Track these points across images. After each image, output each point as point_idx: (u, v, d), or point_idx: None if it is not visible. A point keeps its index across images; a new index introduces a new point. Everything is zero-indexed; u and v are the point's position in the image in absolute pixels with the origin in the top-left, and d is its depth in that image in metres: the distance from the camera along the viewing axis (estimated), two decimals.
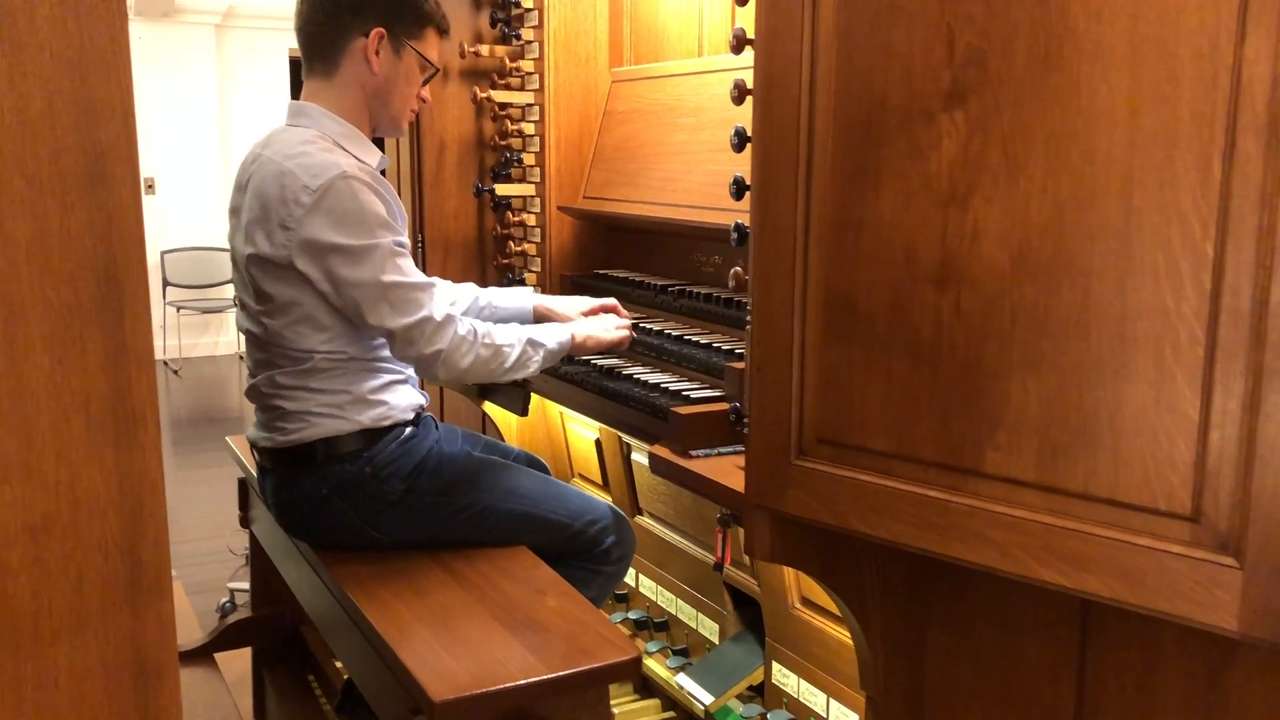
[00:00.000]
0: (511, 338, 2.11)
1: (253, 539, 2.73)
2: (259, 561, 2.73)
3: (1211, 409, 1.15)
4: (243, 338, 2.12)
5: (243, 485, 2.70)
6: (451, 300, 2.12)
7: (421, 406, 2.19)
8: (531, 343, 2.14)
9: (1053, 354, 1.25)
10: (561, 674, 1.54)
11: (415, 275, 2.00)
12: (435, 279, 2.05)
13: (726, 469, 1.77)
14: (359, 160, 2.04)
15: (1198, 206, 1.13)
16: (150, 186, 8.59)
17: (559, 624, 1.71)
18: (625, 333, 2.29)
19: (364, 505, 2.07)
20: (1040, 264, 1.25)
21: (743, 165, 1.82)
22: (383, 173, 2.12)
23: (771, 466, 1.54)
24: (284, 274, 1.96)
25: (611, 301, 2.38)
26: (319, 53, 2.09)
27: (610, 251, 2.87)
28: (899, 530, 1.41)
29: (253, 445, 2.17)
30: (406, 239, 2.04)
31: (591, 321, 2.32)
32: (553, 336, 2.19)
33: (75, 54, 0.82)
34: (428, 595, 1.84)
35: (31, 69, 0.81)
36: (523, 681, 1.54)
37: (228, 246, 2.14)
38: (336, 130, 2.07)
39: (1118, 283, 1.19)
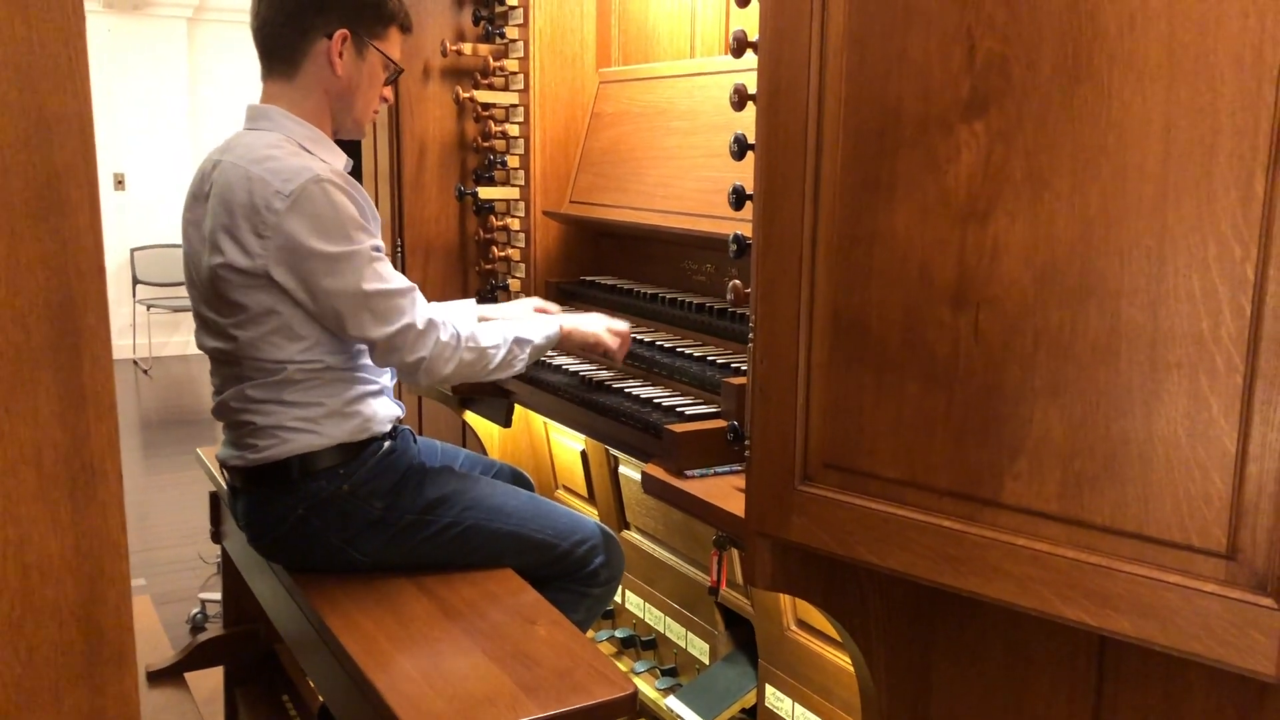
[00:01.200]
0: (497, 338, 2.05)
1: (225, 555, 2.64)
2: (231, 578, 2.63)
3: (1250, 441, 1.09)
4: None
5: (214, 499, 2.60)
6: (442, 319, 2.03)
7: (398, 418, 2.10)
8: (518, 341, 2.08)
9: (1078, 380, 1.18)
10: (554, 713, 1.46)
11: (396, 280, 1.93)
12: (414, 285, 1.97)
13: (724, 491, 1.70)
14: (327, 164, 1.95)
15: (1237, 226, 1.07)
16: (120, 182, 8.43)
17: (549, 656, 1.62)
18: (614, 338, 2.20)
19: (342, 525, 1.97)
20: (1066, 285, 1.18)
21: (741, 173, 1.75)
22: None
23: (774, 492, 1.47)
24: (258, 283, 1.87)
25: (624, 327, 2.27)
26: (279, 54, 2.01)
27: (597, 257, 2.79)
28: (911, 562, 1.34)
29: (223, 465, 2.07)
30: (382, 242, 1.96)
31: (582, 316, 2.25)
32: (539, 331, 2.12)
33: (24, 61, 0.72)
34: (410, 623, 1.75)
35: None
36: None
37: (183, 257, 2.04)
38: (300, 133, 1.99)
39: (1150, 306, 1.13)
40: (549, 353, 2.28)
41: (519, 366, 2.10)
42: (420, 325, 1.93)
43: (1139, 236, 1.13)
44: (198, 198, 1.99)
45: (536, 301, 2.42)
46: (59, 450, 0.78)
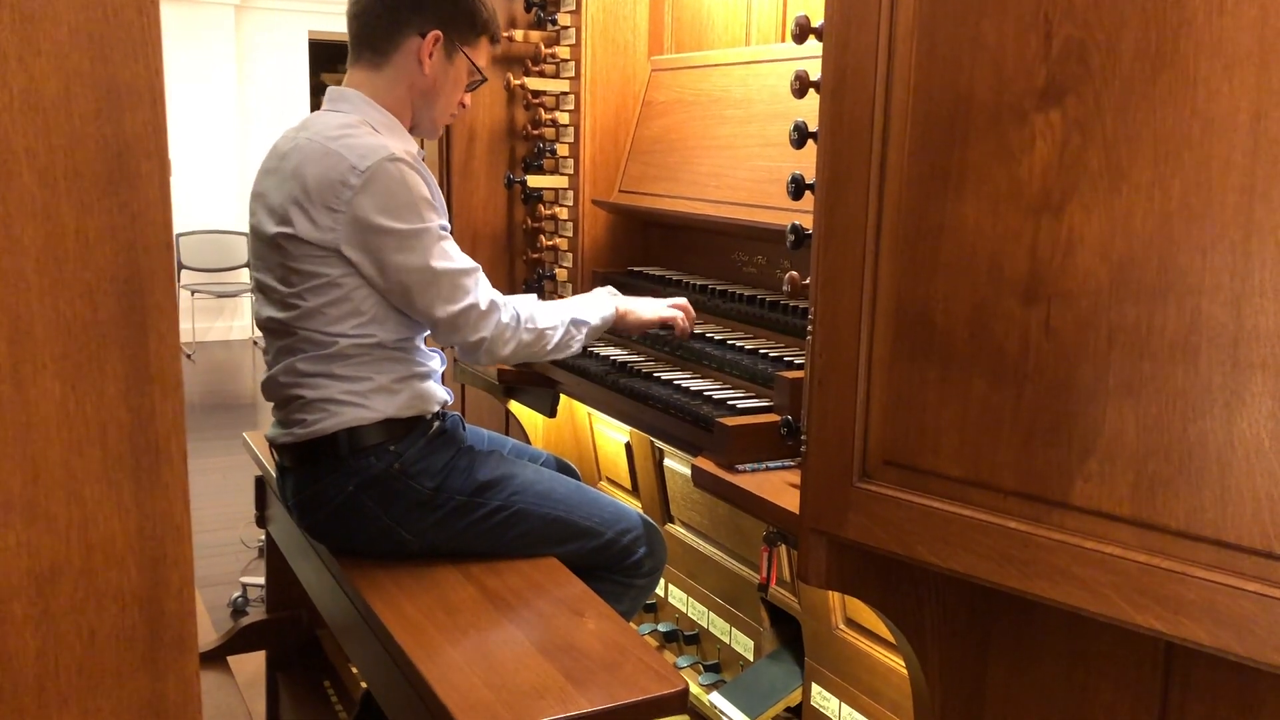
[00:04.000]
0: (555, 319, 2.08)
1: (269, 540, 2.64)
2: (275, 563, 2.64)
3: None
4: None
5: (259, 484, 2.61)
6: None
7: (445, 403, 2.11)
8: (575, 322, 2.10)
9: (1155, 378, 1.14)
10: (603, 708, 1.44)
11: (461, 260, 1.97)
12: (478, 266, 1.98)
13: (777, 486, 1.67)
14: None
15: None
16: None
17: (598, 650, 1.60)
18: (674, 312, 2.20)
19: (392, 504, 1.98)
20: (1144, 280, 1.14)
21: (798, 162, 1.72)
22: None
23: (831, 488, 1.44)
24: (325, 256, 1.90)
25: (683, 301, 2.27)
26: (371, 43, 2.04)
27: (645, 247, 2.76)
28: (974, 563, 1.30)
29: (271, 444, 2.08)
30: (449, 223, 1.99)
31: (638, 299, 2.25)
32: (596, 312, 2.15)
33: (97, 29, 0.70)
34: (456, 612, 1.74)
35: (45, 46, 0.69)
36: (561, 716, 1.43)
37: (246, 230, 2.07)
38: (377, 118, 2.02)
39: (1233, 304, 1.09)
40: (595, 342, 2.28)
41: (576, 347, 2.12)
42: (484, 305, 1.97)
43: (1223, 230, 1.08)
44: (269, 172, 2.02)
45: (610, 290, 2.39)
46: (124, 429, 0.76)
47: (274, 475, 2.17)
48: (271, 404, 2.08)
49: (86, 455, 0.75)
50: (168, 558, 0.79)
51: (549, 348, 2.06)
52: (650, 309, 2.21)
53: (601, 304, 2.17)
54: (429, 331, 2.04)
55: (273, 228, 1.94)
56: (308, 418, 1.97)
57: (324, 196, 1.87)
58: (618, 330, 2.22)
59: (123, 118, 0.73)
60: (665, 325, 2.22)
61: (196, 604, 3.10)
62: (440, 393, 2.08)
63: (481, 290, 1.98)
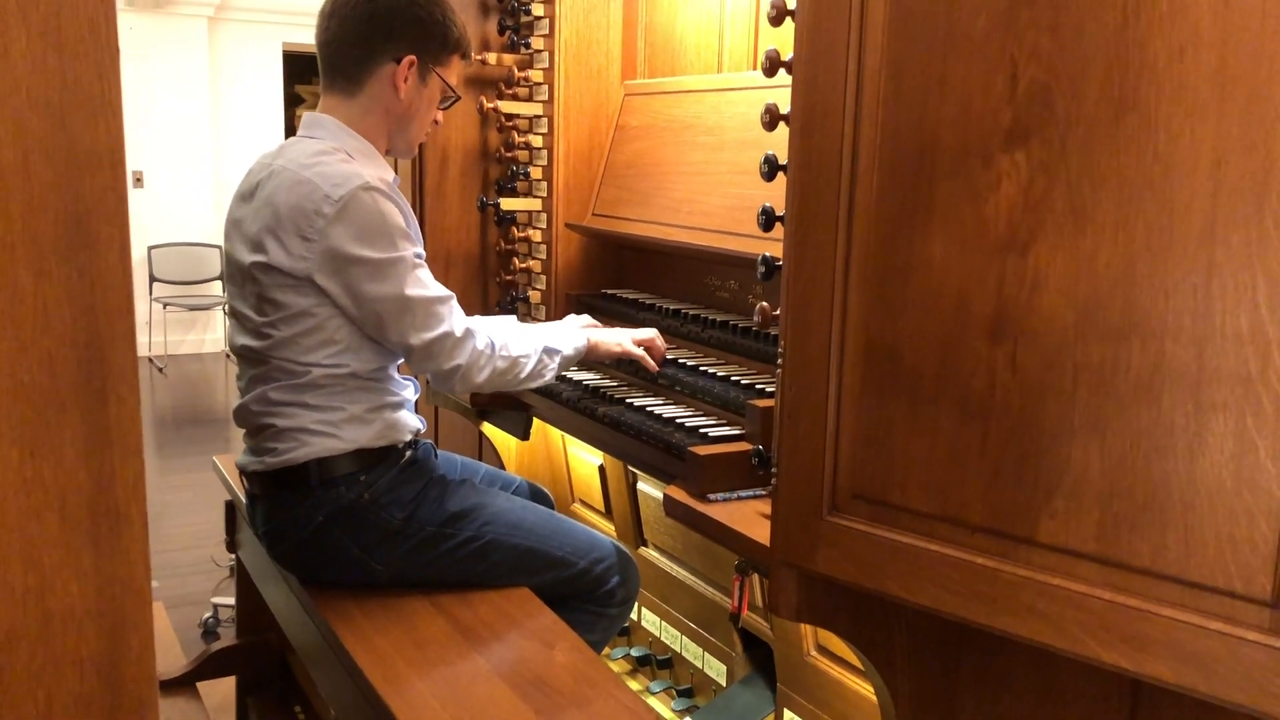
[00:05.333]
0: (528, 347, 2.07)
1: (239, 564, 2.62)
2: (245, 587, 2.62)
3: None
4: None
5: (230, 508, 2.58)
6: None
7: (418, 431, 2.10)
8: (548, 351, 2.10)
9: (1119, 418, 1.15)
10: None
11: (436, 289, 1.96)
12: (452, 294, 1.99)
13: (749, 517, 1.67)
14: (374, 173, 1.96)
15: None
16: (139, 180, 8.44)
17: (569, 684, 1.60)
18: (639, 350, 2.20)
19: (362, 534, 1.97)
20: (1108, 320, 1.15)
21: (769, 192, 1.72)
22: None
23: (801, 522, 1.44)
24: (298, 285, 1.89)
25: (652, 333, 2.27)
26: (343, 71, 2.03)
27: (619, 270, 2.76)
28: (942, 598, 1.31)
29: (242, 471, 2.06)
30: (423, 250, 1.99)
31: (610, 330, 2.26)
32: (569, 342, 2.15)
33: (55, 95, 0.70)
34: (426, 644, 1.73)
35: (4, 113, 0.68)
36: None
37: (223, 255, 2.06)
38: (353, 145, 2.01)
39: (1195, 345, 1.10)
40: (570, 367, 2.27)
41: (549, 376, 2.12)
42: (458, 333, 1.96)
43: (1185, 273, 1.10)
44: (244, 198, 2.01)
45: (583, 320, 2.40)
46: (83, 494, 0.75)
47: (244, 501, 2.15)
48: (243, 431, 2.06)
49: (44, 521, 0.75)
50: (127, 622, 0.78)
51: (522, 376, 2.06)
52: (624, 336, 2.22)
53: (574, 334, 2.17)
54: (402, 360, 2.03)
55: (248, 256, 1.93)
56: (279, 446, 1.95)
57: (298, 225, 1.86)
58: (588, 361, 2.23)
59: (82, 183, 0.72)
60: (634, 359, 2.21)
61: (166, 627, 3.07)
62: (413, 421, 2.07)
63: (456, 318, 1.97)
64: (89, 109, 0.71)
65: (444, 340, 1.95)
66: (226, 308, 2.07)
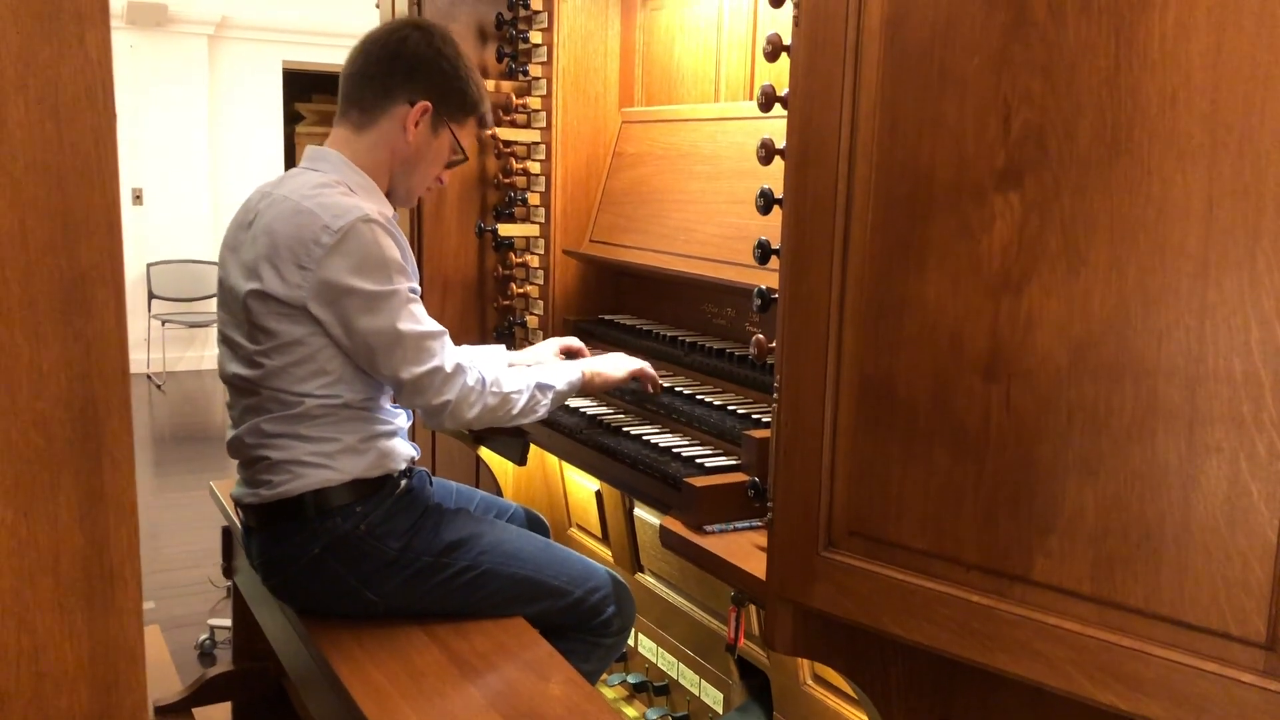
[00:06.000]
0: (520, 383, 2.06)
1: (235, 590, 2.62)
2: (242, 613, 2.61)
3: None
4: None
5: (226, 533, 2.58)
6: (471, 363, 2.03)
7: (412, 459, 2.09)
8: (540, 386, 2.09)
9: (1113, 458, 1.16)
10: None
11: (429, 324, 1.96)
12: (445, 330, 1.98)
13: (745, 549, 1.67)
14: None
15: None
16: (138, 197, 8.46)
17: (563, 718, 1.60)
18: (644, 363, 2.22)
19: (358, 565, 1.96)
20: (1102, 360, 1.16)
21: (766, 223, 1.73)
22: None
23: (797, 557, 1.44)
24: (293, 314, 1.90)
25: (646, 364, 2.28)
26: (359, 103, 2.05)
27: (617, 295, 2.77)
28: (937, 635, 1.31)
29: (237, 503, 2.06)
30: (418, 285, 1.99)
31: (602, 359, 2.25)
32: (562, 377, 2.14)
33: (53, 161, 0.70)
34: (421, 676, 1.73)
35: (2, 178, 0.69)
36: None
37: (217, 283, 2.06)
38: (355, 180, 2.01)
39: (1188, 386, 1.10)
40: (564, 402, 2.27)
41: (541, 412, 2.11)
42: (449, 368, 1.95)
43: (1178, 315, 1.10)
44: (241, 226, 2.01)
45: (562, 341, 2.41)
46: (77, 556, 0.75)
47: (240, 529, 2.15)
48: (237, 462, 2.06)
49: (38, 583, 0.75)
50: (120, 682, 0.78)
51: (514, 412, 2.05)
52: (618, 366, 2.22)
53: (567, 369, 2.17)
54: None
55: (244, 284, 1.93)
56: (274, 479, 1.95)
57: (295, 254, 1.87)
58: (587, 393, 2.23)
59: (78, 247, 0.73)
60: (636, 378, 2.22)
61: (162, 651, 3.06)
62: (407, 449, 2.07)
63: (448, 353, 1.97)
64: (86, 174, 0.72)
65: (434, 375, 1.94)
66: (218, 335, 2.06)
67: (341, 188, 1.96)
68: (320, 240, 1.86)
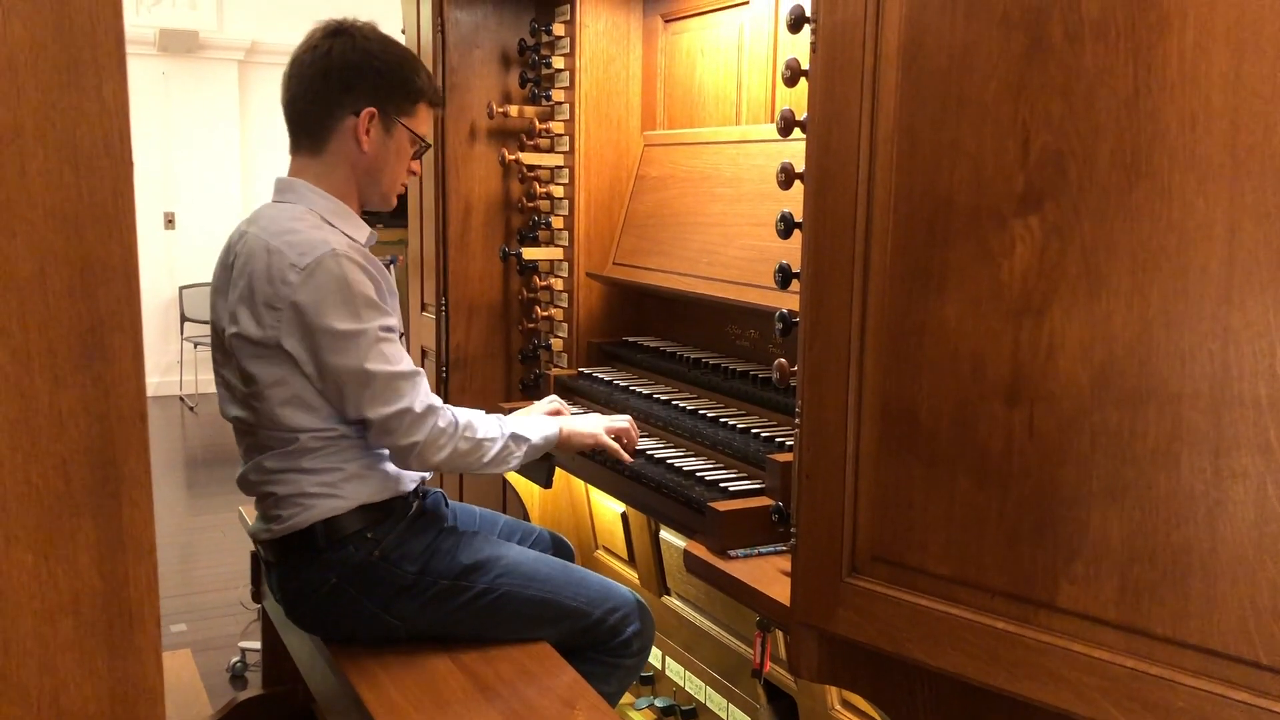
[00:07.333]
0: (494, 431, 2.02)
1: (264, 615, 2.63)
2: (271, 637, 2.63)
3: None
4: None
5: (255, 558, 2.60)
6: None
7: (423, 479, 2.09)
8: (515, 437, 2.05)
9: (1138, 484, 1.14)
10: None
11: (400, 363, 1.92)
12: (419, 370, 1.95)
13: (769, 574, 1.67)
14: (349, 237, 1.96)
15: None
16: (170, 221, 8.57)
17: None
18: (610, 441, 2.16)
19: (376, 591, 1.96)
20: (1125, 385, 1.15)
21: (787, 246, 1.73)
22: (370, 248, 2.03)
23: (821, 583, 1.44)
24: (270, 354, 1.88)
25: (626, 421, 2.24)
26: (306, 129, 2.02)
27: (639, 317, 2.78)
28: (963, 663, 1.30)
29: (254, 538, 2.07)
30: (396, 320, 1.95)
31: (581, 418, 2.22)
32: (538, 431, 2.09)
33: (71, 210, 0.72)
34: (447, 704, 1.73)
35: (20, 228, 0.71)
36: None
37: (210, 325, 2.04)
38: (325, 206, 1.99)
39: (1213, 412, 1.09)
40: (537, 456, 2.17)
41: (514, 463, 2.06)
42: (418, 409, 1.91)
43: (1202, 340, 1.09)
44: (224, 267, 2.01)
45: (552, 403, 2.33)
46: (97, 597, 0.77)
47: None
48: (252, 499, 2.07)
49: (59, 625, 0.76)
50: None
51: (485, 460, 2.00)
52: (590, 428, 2.16)
53: (545, 423, 2.13)
54: None
55: (229, 328, 1.93)
56: (282, 513, 1.95)
57: (265, 295, 1.86)
58: (563, 450, 2.18)
59: (96, 294, 0.74)
60: (602, 448, 2.16)
61: (193, 676, 3.08)
62: (413, 471, 2.06)
63: (419, 395, 1.92)
64: (104, 223, 0.73)
65: (402, 417, 1.89)
66: (216, 378, 2.04)
67: (314, 218, 1.94)
68: (287, 279, 1.84)
